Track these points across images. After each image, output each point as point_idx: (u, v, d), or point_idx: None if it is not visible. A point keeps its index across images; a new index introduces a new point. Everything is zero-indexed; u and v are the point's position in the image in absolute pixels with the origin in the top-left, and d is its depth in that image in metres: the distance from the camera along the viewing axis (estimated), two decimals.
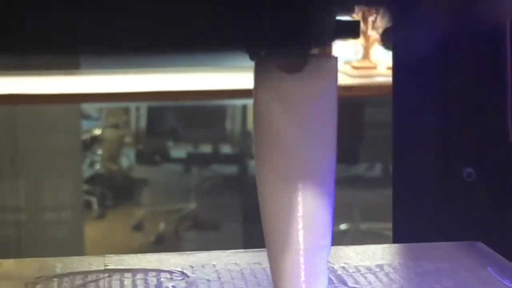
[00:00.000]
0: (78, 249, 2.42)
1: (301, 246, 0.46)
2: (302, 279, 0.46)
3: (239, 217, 3.05)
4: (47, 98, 1.97)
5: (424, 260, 0.69)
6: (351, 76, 1.92)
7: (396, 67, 0.84)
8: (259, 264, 0.68)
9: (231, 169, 3.56)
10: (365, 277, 0.65)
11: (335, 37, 0.45)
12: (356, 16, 0.47)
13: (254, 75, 0.46)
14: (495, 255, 0.70)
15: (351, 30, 0.46)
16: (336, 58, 0.46)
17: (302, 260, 0.46)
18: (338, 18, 0.44)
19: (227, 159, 3.66)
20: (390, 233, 0.85)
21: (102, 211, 3.39)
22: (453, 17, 0.77)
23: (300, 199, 0.46)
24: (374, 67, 1.99)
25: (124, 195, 3.55)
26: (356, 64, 1.98)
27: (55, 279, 0.65)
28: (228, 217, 3.10)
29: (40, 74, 2.12)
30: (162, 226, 3.18)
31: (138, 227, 3.21)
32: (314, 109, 0.45)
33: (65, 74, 2.20)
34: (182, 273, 0.66)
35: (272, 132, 0.46)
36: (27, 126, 2.44)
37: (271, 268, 0.47)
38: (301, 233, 0.46)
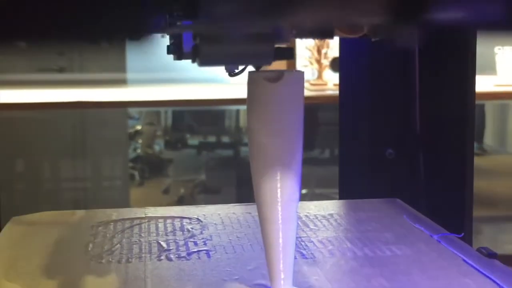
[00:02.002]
0: (126, 206, 2.42)
1: (279, 200, 0.45)
2: (280, 221, 0.45)
3: (233, 184, 3.09)
4: (105, 104, 1.97)
5: (360, 211, 0.69)
6: (309, 90, 1.91)
7: (341, 84, 0.84)
8: (249, 213, 0.67)
9: (228, 153, 3.62)
10: (321, 222, 0.65)
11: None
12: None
13: (247, 83, 0.45)
14: (408, 208, 0.70)
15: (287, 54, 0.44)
16: (303, 72, 0.46)
17: (280, 209, 0.45)
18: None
19: (226, 146, 3.71)
20: (336, 196, 0.85)
21: (141, 181, 3.39)
22: (379, 44, 0.77)
23: (279, 170, 0.45)
24: (325, 84, 1.98)
25: (156, 170, 3.56)
26: (313, 82, 1.97)
27: (111, 223, 0.65)
28: (226, 185, 3.13)
29: (100, 87, 2.13)
30: (182, 190, 3.18)
31: (165, 192, 3.21)
32: (289, 107, 0.45)
33: (116, 87, 2.21)
34: (197, 219, 0.66)
35: (260, 123, 0.45)
36: (92, 123, 2.45)
37: (259, 215, 0.47)
38: (279, 191, 0.45)
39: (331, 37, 0.46)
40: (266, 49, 0.41)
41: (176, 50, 0.45)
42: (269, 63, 0.44)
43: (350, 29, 0.52)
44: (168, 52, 0.47)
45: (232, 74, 0.48)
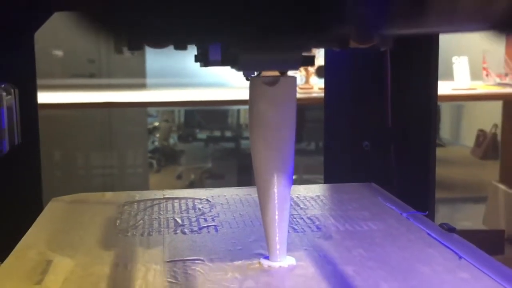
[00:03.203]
0: (146, 190, 2.43)
1: (276, 184, 0.45)
2: (276, 201, 0.45)
3: (235, 171, 3.09)
4: (128, 104, 1.96)
5: (342, 193, 0.69)
6: (298, 93, 1.90)
7: (326, 87, 0.84)
8: (250, 195, 0.67)
9: (231, 145, 3.64)
10: (309, 202, 0.65)
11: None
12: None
13: (249, 86, 0.45)
14: (381, 190, 0.70)
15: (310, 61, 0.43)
16: (295, 77, 0.45)
17: (276, 191, 0.45)
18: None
19: (228, 139, 3.73)
20: (321, 181, 0.85)
21: (158, 168, 3.40)
22: (357, 54, 0.77)
23: (276, 159, 0.45)
24: (312, 88, 1.98)
25: (170, 159, 3.57)
26: (301, 86, 1.97)
27: (135, 203, 0.65)
28: (229, 172, 3.13)
29: (124, 90, 2.13)
30: (192, 176, 3.19)
31: (179, 177, 3.22)
32: (284, 106, 0.45)
33: (138, 90, 2.21)
34: (207, 200, 0.66)
35: (260, 120, 0.45)
36: (117, 120, 2.44)
37: (258, 197, 0.46)
38: (276, 177, 0.45)
39: (347, 47, 0.45)
40: (295, 57, 0.41)
41: (203, 59, 0.44)
42: (297, 69, 0.44)
43: (363, 40, 0.50)
44: (196, 60, 0.46)
45: (248, 78, 0.47)
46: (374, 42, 0.48)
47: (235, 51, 0.40)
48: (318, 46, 0.44)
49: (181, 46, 0.39)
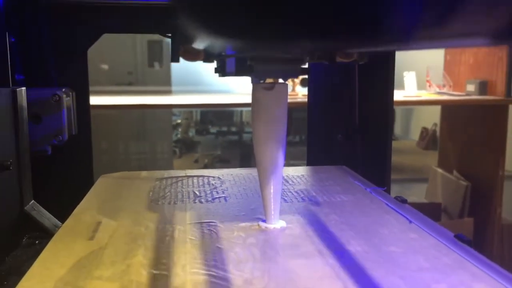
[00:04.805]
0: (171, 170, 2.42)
1: (272, 165, 0.45)
2: (271, 179, 0.45)
3: (238, 157, 3.09)
4: (157, 106, 1.94)
5: (321, 173, 0.69)
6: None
7: (309, 94, 0.83)
8: (251, 174, 0.67)
9: (235, 137, 3.62)
10: (296, 179, 0.65)
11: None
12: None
13: (252, 91, 0.45)
14: (351, 172, 0.70)
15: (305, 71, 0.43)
16: (287, 84, 0.45)
17: (272, 171, 0.45)
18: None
19: (233, 133, 3.71)
20: (304, 165, 0.85)
21: (180, 155, 3.39)
22: (333, 67, 0.76)
23: (272, 146, 0.45)
24: (297, 95, 1.97)
25: (190, 148, 3.56)
26: (289, 93, 1.96)
27: (164, 179, 0.64)
28: (233, 158, 3.13)
29: (154, 95, 2.12)
30: (206, 161, 3.18)
31: (195, 161, 3.21)
32: (278, 106, 0.45)
33: (165, 95, 2.20)
34: (218, 177, 0.66)
35: (260, 117, 0.45)
36: (149, 118, 2.44)
37: (258, 175, 0.46)
38: (271, 160, 0.45)
39: (334, 62, 0.44)
40: (295, 68, 0.41)
41: (221, 70, 0.44)
42: (296, 77, 0.44)
43: (346, 56, 0.50)
44: (215, 71, 0.45)
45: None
46: (355, 58, 0.48)
47: (251, 63, 0.40)
48: (312, 61, 0.44)
49: (209, 60, 0.39)
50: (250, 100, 0.45)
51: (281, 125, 0.45)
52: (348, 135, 0.77)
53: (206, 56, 0.43)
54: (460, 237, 0.42)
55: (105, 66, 2.37)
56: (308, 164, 0.83)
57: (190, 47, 0.42)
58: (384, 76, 0.72)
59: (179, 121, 3.73)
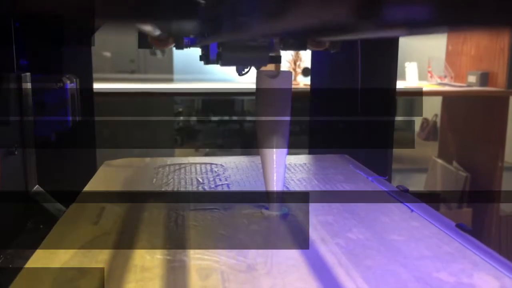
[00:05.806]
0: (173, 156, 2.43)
1: (275, 152, 0.45)
2: (274, 166, 0.45)
3: (239, 145, 3.10)
4: (159, 94, 1.94)
5: (322, 162, 0.68)
6: None
7: (311, 84, 0.83)
8: (253, 162, 0.67)
9: (236, 126, 3.61)
10: (298, 168, 0.65)
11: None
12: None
13: (256, 78, 0.45)
14: (352, 160, 0.69)
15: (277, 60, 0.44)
16: (291, 72, 0.45)
17: (274, 158, 0.45)
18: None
19: (234, 122, 3.70)
20: (306, 153, 0.85)
21: (182, 143, 3.38)
22: (336, 57, 0.75)
23: (276, 133, 0.45)
24: (298, 84, 1.96)
25: (191, 136, 3.56)
26: None
27: (167, 166, 0.64)
28: (234, 146, 3.13)
29: (156, 83, 2.12)
30: (207, 149, 3.18)
31: (197, 150, 3.22)
32: (282, 94, 0.44)
33: (167, 83, 2.20)
34: (221, 165, 0.65)
35: (264, 104, 0.44)
36: (151, 106, 2.44)
37: (262, 162, 0.46)
38: (275, 147, 0.45)
39: (305, 49, 0.45)
40: (263, 56, 0.41)
41: (205, 58, 0.44)
42: (265, 65, 0.44)
43: (317, 44, 0.51)
44: (200, 59, 0.46)
45: (241, 74, 0.47)
46: (327, 47, 0.48)
47: (220, 50, 0.40)
48: (285, 49, 0.44)
49: (180, 46, 0.39)
50: (252, 89, 0.45)
51: (285, 111, 0.45)
52: (350, 125, 0.77)
53: (176, 43, 0.43)
54: (461, 227, 0.42)
55: (107, 54, 2.36)
56: (309, 153, 0.82)
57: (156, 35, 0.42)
58: (387, 66, 0.72)
59: (180, 109, 3.72)
